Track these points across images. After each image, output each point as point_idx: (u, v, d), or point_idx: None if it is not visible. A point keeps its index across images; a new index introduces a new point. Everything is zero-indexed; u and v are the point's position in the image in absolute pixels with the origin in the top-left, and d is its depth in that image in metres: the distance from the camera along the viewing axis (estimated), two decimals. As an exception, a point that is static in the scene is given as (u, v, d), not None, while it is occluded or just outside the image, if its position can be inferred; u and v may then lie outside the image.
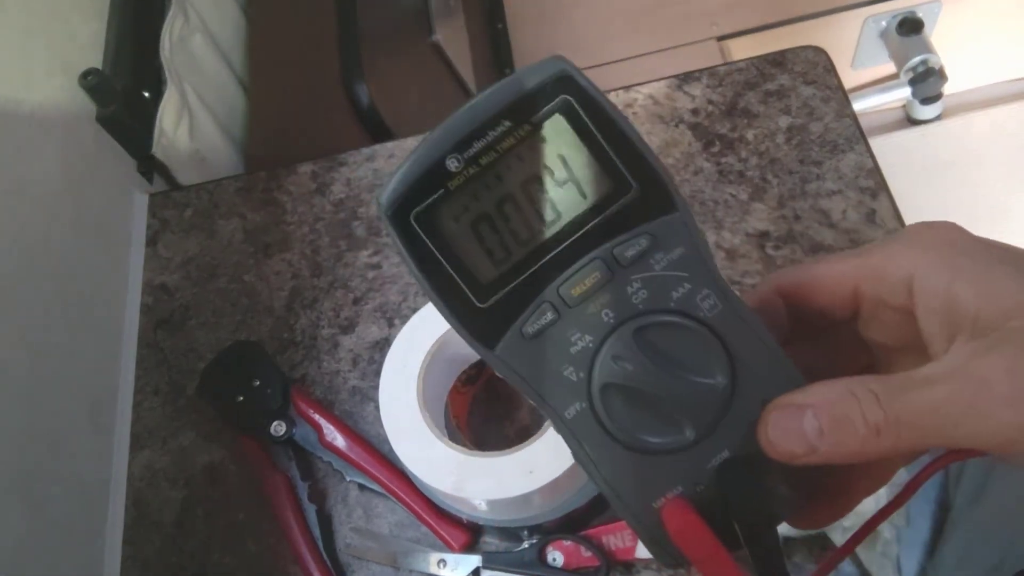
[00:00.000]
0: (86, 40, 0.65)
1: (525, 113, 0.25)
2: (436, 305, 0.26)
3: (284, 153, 0.83)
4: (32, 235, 0.55)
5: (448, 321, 0.26)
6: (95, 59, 0.65)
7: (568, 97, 0.25)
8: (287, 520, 0.53)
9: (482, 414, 0.57)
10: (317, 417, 0.56)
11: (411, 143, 0.69)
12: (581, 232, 0.25)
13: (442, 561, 0.52)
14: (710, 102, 0.67)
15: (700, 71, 0.69)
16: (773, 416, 0.24)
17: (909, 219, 0.60)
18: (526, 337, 0.25)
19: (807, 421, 0.23)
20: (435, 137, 0.25)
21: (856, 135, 0.63)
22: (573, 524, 0.50)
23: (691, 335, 0.25)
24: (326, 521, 0.54)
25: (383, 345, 0.60)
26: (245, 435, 0.56)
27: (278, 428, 0.55)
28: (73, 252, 0.59)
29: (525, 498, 0.45)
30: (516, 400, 0.57)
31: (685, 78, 0.68)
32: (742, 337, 0.25)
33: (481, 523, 0.50)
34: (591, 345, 0.25)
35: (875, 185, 0.61)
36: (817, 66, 0.67)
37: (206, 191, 0.70)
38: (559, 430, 0.26)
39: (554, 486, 0.45)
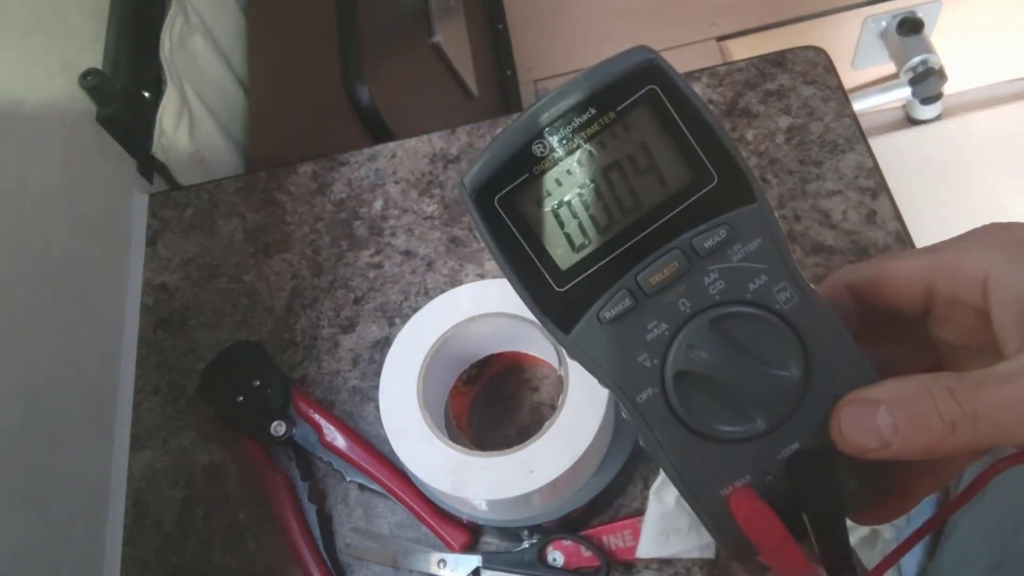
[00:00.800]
0: (86, 40, 0.65)
1: (611, 101, 0.25)
2: (515, 288, 0.26)
3: (284, 153, 0.83)
4: (32, 235, 0.55)
5: (526, 304, 0.26)
6: (95, 59, 0.65)
7: (654, 87, 0.25)
8: (287, 520, 0.53)
9: (482, 414, 0.57)
10: (317, 417, 0.56)
11: (413, 143, 0.69)
12: (661, 221, 0.26)
13: (442, 561, 0.52)
14: (710, 102, 0.67)
15: (700, 71, 0.69)
16: (846, 410, 0.24)
17: (909, 219, 0.60)
18: (603, 322, 0.26)
19: (881, 416, 0.23)
20: (522, 122, 0.25)
21: (856, 135, 0.63)
22: (573, 524, 0.50)
23: (767, 327, 0.25)
24: (326, 521, 0.54)
25: (383, 345, 0.60)
26: (245, 435, 0.56)
27: (278, 428, 0.55)
28: (73, 252, 0.59)
29: (525, 498, 0.45)
30: (516, 400, 0.57)
31: (685, 78, 0.68)
32: (817, 331, 0.25)
33: (481, 523, 0.50)
34: (667, 333, 0.26)
35: (875, 185, 0.61)
36: (817, 66, 0.67)
37: (206, 191, 0.70)
38: (630, 414, 0.26)
39: (554, 486, 0.45)
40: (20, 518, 0.49)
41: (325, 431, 0.55)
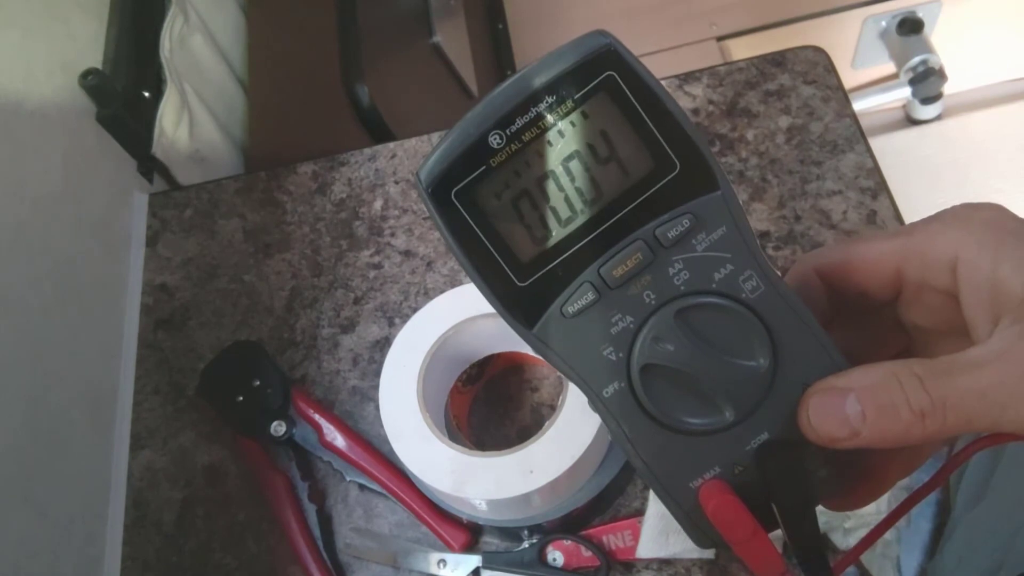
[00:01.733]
0: (86, 40, 0.65)
1: (568, 89, 0.24)
2: (476, 283, 0.25)
3: (284, 153, 0.83)
4: (32, 235, 0.55)
5: (487, 300, 0.25)
6: (95, 59, 0.65)
7: (613, 73, 0.24)
8: (287, 520, 0.53)
9: (482, 414, 0.57)
10: (317, 417, 0.56)
11: (413, 143, 0.69)
12: (623, 211, 0.25)
13: (442, 561, 0.52)
14: (710, 102, 0.67)
15: (700, 71, 0.69)
16: (814, 400, 0.24)
17: (909, 219, 0.60)
18: (566, 317, 0.25)
19: (849, 405, 0.22)
20: (477, 113, 0.24)
21: (856, 135, 0.63)
22: (573, 524, 0.50)
23: (733, 317, 0.25)
24: (326, 521, 0.55)
25: (383, 345, 0.60)
26: (245, 435, 0.56)
27: (278, 428, 0.55)
28: (73, 252, 0.59)
29: (525, 498, 0.45)
30: (516, 400, 0.57)
31: (686, 78, 0.68)
32: (785, 319, 0.25)
33: (481, 523, 0.50)
34: (632, 326, 0.25)
35: (875, 185, 0.61)
36: (817, 66, 0.67)
37: (206, 191, 0.70)
38: (596, 409, 0.26)
39: (554, 486, 0.45)
40: (20, 517, 0.49)
41: (325, 431, 0.55)
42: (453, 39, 1.00)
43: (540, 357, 0.26)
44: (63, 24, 0.62)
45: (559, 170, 0.25)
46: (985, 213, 0.23)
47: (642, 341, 0.25)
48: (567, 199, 0.25)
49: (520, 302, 0.25)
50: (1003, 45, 1.46)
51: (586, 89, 0.24)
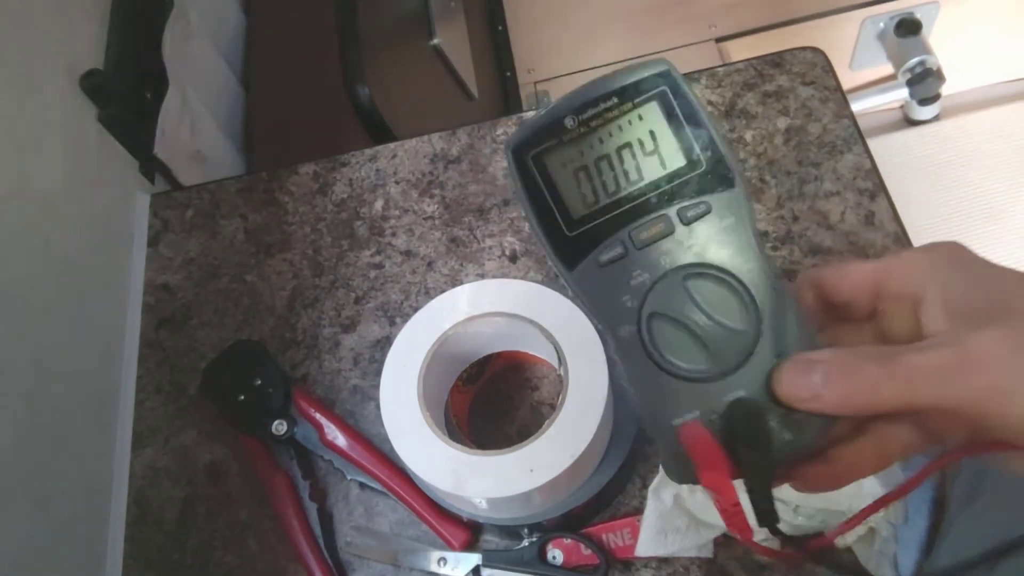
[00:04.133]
0: (87, 41, 0.65)
1: (631, 95, 0.31)
2: (534, 228, 0.32)
3: (285, 153, 0.83)
4: (34, 235, 0.55)
5: (541, 243, 0.32)
6: (96, 60, 0.65)
7: (666, 88, 0.31)
8: (288, 518, 0.53)
9: (482, 413, 0.57)
10: (318, 416, 0.56)
11: (413, 144, 0.70)
12: (656, 192, 0.31)
13: (442, 559, 0.52)
14: (709, 103, 0.67)
15: (699, 72, 0.69)
16: (787, 365, 0.29)
17: (907, 219, 0.60)
18: (599, 265, 0.31)
19: (815, 373, 0.28)
20: (562, 100, 0.31)
21: (854, 136, 0.64)
22: (573, 522, 0.51)
23: (728, 287, 0.30)
24: (327, 519, 0.55)
25: (384, 344, 0.61)
26: (246, 434, 0.56)
27: (279, 427, 0.55)
28: (75, 252, 0.59)
29: (525, 496, 0.45)
30: (516, 399, 0.58)
31: (684, 79, 0.68)
32: (771, 299, 0.30)
33: (481, 521, 0.50)
34: (648, 281, 0.31)
35: (873, 186, 0.61)
36: (815, 67, 0.67)
37: (207, 191, 0.70)
38: (613, 346, 0.31)
39: (554, 485, 0.45)
40: (23, 516, 0.49)
41: (326, 430, 0.55)
42: (453, 40, 1.01)
43: (575, 295, 0.32)
44: (64, 24, 0.63)
45: (613, 154, 0.31)
46: (947, 247, 0.29)
47: (653, 293, 0.31)
48: (615, 176, 0.31)
49: (566, 248, 0.31)
50: (1001, 46, 1.46)
51: (644, 97, 0.31)
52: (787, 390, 0.28)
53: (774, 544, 0.33)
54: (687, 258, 0.31)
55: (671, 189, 0.31)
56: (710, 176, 0.31)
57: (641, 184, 0.31)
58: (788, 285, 0.31)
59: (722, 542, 0.50)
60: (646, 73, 0.32)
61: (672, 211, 0.31)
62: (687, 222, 0.31)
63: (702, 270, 0.31)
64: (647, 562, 0.51)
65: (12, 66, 0.56)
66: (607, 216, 0.31)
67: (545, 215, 0.31)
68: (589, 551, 0.50)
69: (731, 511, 0.29)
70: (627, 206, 0.31)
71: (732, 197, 0.31)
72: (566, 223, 0.31)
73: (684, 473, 0.30)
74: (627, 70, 0.32)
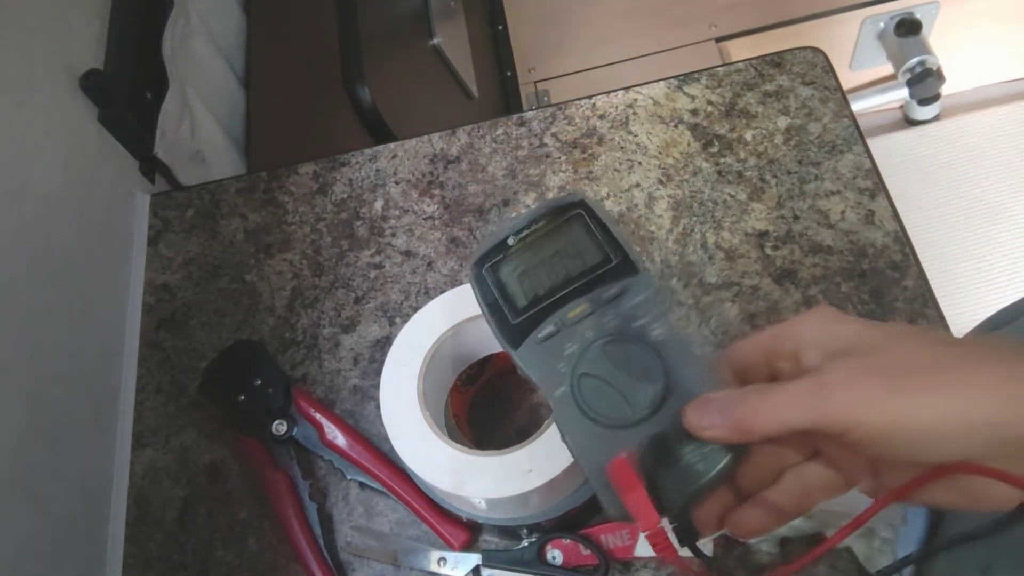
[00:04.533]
0: (88, 41, 0.65)
1: (556, 215, 0.41)
2: (487, 320, 0.40)
3: (285, 153, 0.83)
4: (34, 235, 0.55)
5: (492, 330, 0.39)
6: (96, 59, 0.65)
7: (581, 210, 0.41)
8: (288, 518, 0.53)
9: (482, 413, 0.57)
10: (318, 416, 0.56)
11: (413, 144, 0.70)
12: (580, 282, 0.39)
13: (442, 559, 0.52)
14: (709, 103, 0.67)
15: (699, 72, 0.69)
16: (692, 403, 0.35)
17: (907, 219, 0.60)
18: (537, 342, 0.38)
19: (713, 407, 0.34)
20: (504, 224, 0.43)
21: (854, 135, 0.64)
22: (572, 523, 0.51)
23: (640, 351, 0.37)
24: (327, 519, 0.55)
25: (384, 344, 0.61)
26: (246, 434, 0.56)
27: (279, 427, 0.55)
28: (75, 252, 0.59)
29: (524, 497, 0.45)
30: (516, 400, 0.58)
31: (685, 79, 0.69)
32: (676, 355, 0.37)
33: (481, 521, 0.50)
34: (576, 351, 0.38)
35: (873, 186, 0.61)
36: (815, 67, 0.67)
37: (207, 191, 0.70)
38: (550, 404, 0.37)
39: (552, 485, 0.45)
40: (23, 516, 0.49)
41: (326, 430, 0.55)
42: (453, 40, 1.01)
43: (521, 369, 0.38)
44: (64, 25, 0.63)
45: (546, 258, 0.40)
46: (817, 309, 0.36)
47: (581, 360, 0.37)
48: (548, 274, 0.40)
49: (512, 332, 0.39)
50: (1001, 46, 1.46)
51: (566, 216, 0.41)
52: (691, 422, 0.34)
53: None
54: (606, 330, 0.38)
55: (591, 279, 0.39)
56: (619, 267, 0.39)
57: (568, 278, 0.39)
58: (700, 352, 0.38)
59: (721, 542, 0.50)
60: (566, 202, 0.41)
61: (593, 296, 0.38)
62: (604, 303, 0.38)
63: (618, 338, 0.37)
64: (646, 562, 0.51)
65: (12, 66, 0.56)
66: (543, 305, 0.39)
67: (495, 310, 0.40)
68: (588, 551, 0.50)
69: (652, 531, 0.33)
70: (558, 295, 0.39)
71: (638, 281, 0.38)
72: (511, 313, 0.39)
73: (618, 506, 0.34)
74: (552, 200, 0.42)
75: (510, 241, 0.41)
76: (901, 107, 1.54)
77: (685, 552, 0.36)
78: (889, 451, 0.31)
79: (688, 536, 0.35)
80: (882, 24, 1.37)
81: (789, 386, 0.32)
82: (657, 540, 0.33)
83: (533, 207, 0.41)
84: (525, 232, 0.41)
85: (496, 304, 0.40)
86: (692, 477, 0.34)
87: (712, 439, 0.34)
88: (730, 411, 0.33)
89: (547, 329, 0.38)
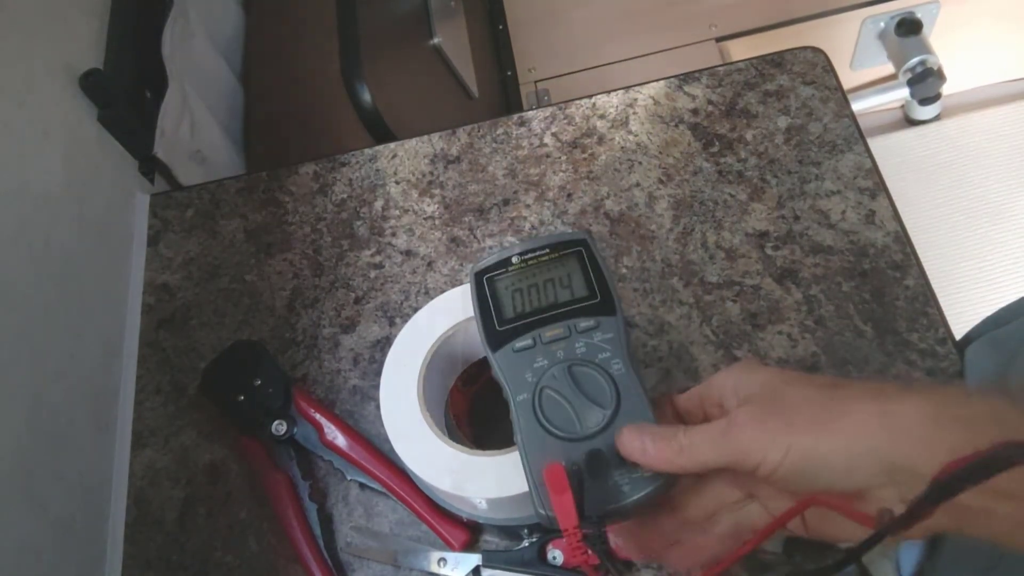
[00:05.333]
0: (87, 40, 0.65)
1: (559, 248, 0.47)
2: (477, 322, 0.46)
3: (285, 153, 0.83)
4: (34, 235, 0.55)
5: (479, 332, 0.45)
6: (96, 59, 0.65)
7: (581, 248, 0.47)
8: (288, 519, 0.53)
9: (482, 414, 0.57)
10: (318, 416, 0.56)
11: (413, 143, 0.69)
12: (563, 311, 0.45)
13: (442, 559, 0.52)
14: (710, 102, 0.67)
15: (700, 71, 0.69)
16: (626, 430, 0.39)
17: (908, 219, 0.60)
18: (514, 351, 0.44)
19: (644, 436, 0.38)
20: (514, 247, 0.48)
21: (855, 135, 0.64)
22: (573, 523, 0.51)
23: (600, 379, 0.42)
24: (327, 520, 0.55)
25: (384, 344, 0.60)
26: (246, 434, 0.56)
27: (279, 427, 0.55)
28: (75, 252, 0.59)
29: (524, 497, 0.45)
30: (516, 399, 0.57)
31: (685, 78, 0.69)
32: (628, 390, 0.41)
33: (481, 522, 0.50)
34: (545, 366, 0.43)
35: (874, 185, 0.61)
36: (816, 66, 0.67)
37: (207, 191, 0.70)
38: (512, 406, 0.42)
39: (554, 485, 0.45)
40: (22, 516, 0.49)
41: (326, 430, 0.55)
42: (453, 40, 1.01)
43: (495, 370, 0.44)
44: (64, 24, 0.63)
45: (540, 283, 0.46)
46: (742, 362, 0.41)
47: (547, 374, 0.42)
48: (537, 296, 0.46)
49: (495, 337, 0.45)
50: (1001, 46, 1.46)
51: (567, 250, 0.47)
52: (623, 441, 0.38)
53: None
54: (575, 355, 0.43)
55: (573, 309, 0.44)
56: (601, 305, 0.44)
57: (553, 304, 0.45)
58: (641, 378, 0.42)
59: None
60: (571, 238, 0.47)
61: (570, 324, 0.44)
62: (579, 332, 0.43)
63: (583, 364, 0.42)
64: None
65: (12, 66, 0.56)
66: (526, 321, 0.44)
67: (485, 314, 0.45)
68: (589, 551, 0.50)
69: (570, 531, 0.37)
70: (541, 315, 0.44)
71: (613, 321, 0.44)
72: (498, 321, 0.45)
73: (545, 505, 0.38)
74: (560, 234, 0.49)
75: (514, 260, 0.47)
76: (902, 107, 1.54)
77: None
78: (798, 484, 0.34)
79: (595, 541, 0.39)
80: (883, 24, 1.37)
81: (707, 427, 0.37)
82: (572, 540, 0.38)
83: (544, 235, 0.47)
84: (529, 256, 0.47)
85: (487, 309, 0.46)
86: (616, 496, 0.39)
87: (637, 462, 0.38)
88: (659, 445, 0.37)
89: (525, 342, 0.44)
